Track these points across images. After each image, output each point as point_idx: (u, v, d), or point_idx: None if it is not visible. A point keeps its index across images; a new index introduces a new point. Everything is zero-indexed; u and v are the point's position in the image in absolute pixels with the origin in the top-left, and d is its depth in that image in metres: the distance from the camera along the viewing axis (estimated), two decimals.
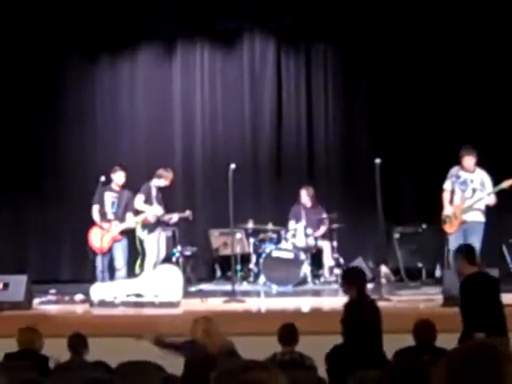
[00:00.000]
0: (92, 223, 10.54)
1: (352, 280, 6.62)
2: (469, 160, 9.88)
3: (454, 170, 10.05)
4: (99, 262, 10.38)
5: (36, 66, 12.39)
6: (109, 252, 10.39)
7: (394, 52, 12.17)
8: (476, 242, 9.78)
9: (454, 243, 9.91)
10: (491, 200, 9.83)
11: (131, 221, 10.41)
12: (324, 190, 11.94)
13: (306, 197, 11.50)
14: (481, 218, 9.86)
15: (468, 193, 9.93)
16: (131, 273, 10.51)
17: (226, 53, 12.68)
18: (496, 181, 9.86)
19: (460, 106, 11.82)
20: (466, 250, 6.72)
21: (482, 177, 9.93)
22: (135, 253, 10.62)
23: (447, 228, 9.94)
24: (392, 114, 12.28)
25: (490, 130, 11.65)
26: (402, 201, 12.04)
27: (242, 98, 12.60)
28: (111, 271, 10.44)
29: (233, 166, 9.82)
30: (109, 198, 10.51)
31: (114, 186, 10.53)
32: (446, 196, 10.03)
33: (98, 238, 10.35)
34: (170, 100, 12.66)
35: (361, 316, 6.25)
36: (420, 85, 12.04)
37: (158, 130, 12.58)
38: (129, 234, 10.55)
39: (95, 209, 10.48)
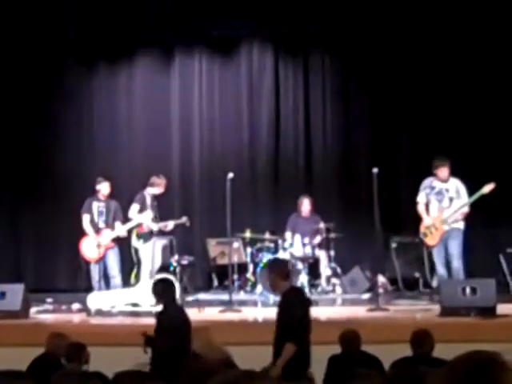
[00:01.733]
0: (83, 233, 10.57)
1: (161, 291, 6.84)
2: (444, 171, 9.95)
3: (428, 182, 10.08)
4: (94, 272, 10.40)
5: (35, 72, 12.38)
6: (102, 260, 10.40)
7: (392, 59, 12.18)
8: (455, 247, 9.80)
9: (438, 255, 9.93)
10: (465, 210, 9.85)
11: (120, 229, 10.46)
12: (321, 200, 11.92)
13: (303, 206, 11.49)
14: (460, 224, 9.87)
15: (445, 202, 9.96)
16: (126, 281, 10.51)
17: (224, 61, 12.68)
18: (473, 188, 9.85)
19: (459, 115, 11.82)
20: (277, 266, 6.62)
21: (456, 185, 9.95)
22: (130, 262, 10.60)
23: (429, 241, 9.94)
24: (390, 122, 12.29)
25: (490, 139, 11.65)
26: (400, 210, 12.01)
27: (240, 106, 12.60)
28: (106, 279, 10.46)
29: (230, 175, 9.81)
30: (96, 207, 10.60)
31: (100, 196, 10.62)
32: (421, 208, 10.06)
33: (90, 248, 10.42)
34: (167, 108, 12.65)
35: (172, 324, 6.41)
36: (418, 93, 12.05)
37: (156, 138, 12.57)
38: (119, 241, 10.58)
39: (86, 219, 10.56)
